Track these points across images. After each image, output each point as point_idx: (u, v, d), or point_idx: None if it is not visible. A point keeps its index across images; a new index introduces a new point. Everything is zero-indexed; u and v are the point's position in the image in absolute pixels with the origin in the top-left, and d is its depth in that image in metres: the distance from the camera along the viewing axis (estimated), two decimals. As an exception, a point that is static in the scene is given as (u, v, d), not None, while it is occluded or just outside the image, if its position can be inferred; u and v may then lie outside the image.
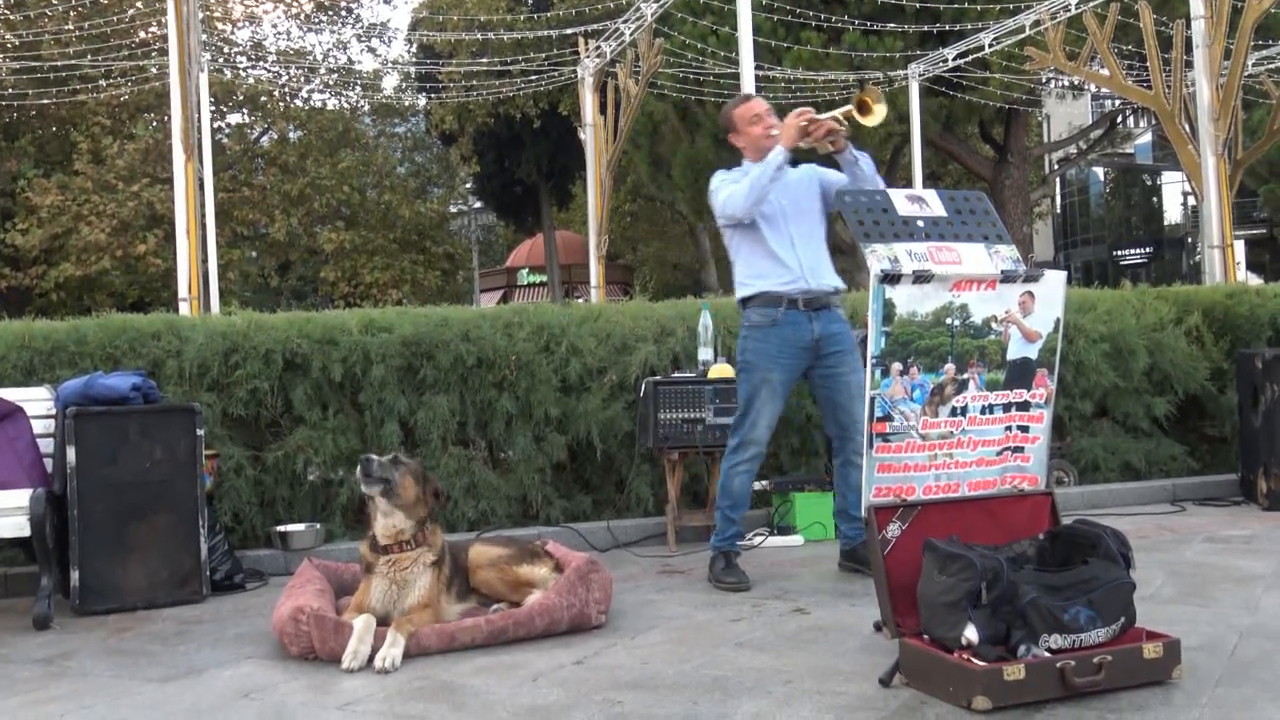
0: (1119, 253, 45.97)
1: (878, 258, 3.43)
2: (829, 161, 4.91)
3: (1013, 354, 3.59)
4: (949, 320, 3.48)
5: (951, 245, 3.57)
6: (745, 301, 4.98)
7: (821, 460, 6.27)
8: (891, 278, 3.40)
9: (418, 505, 4.11)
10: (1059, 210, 46.96)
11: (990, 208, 3.78)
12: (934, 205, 3.67)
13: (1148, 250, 45.46)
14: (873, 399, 3.45)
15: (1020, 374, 3.61)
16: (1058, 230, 47.81)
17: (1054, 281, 3.62)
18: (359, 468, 4.07)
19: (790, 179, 4.91)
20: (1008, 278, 3.54)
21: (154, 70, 18.32)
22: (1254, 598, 4.24)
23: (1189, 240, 41.27)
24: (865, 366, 3.46)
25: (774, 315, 4.85)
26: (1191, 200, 37.13)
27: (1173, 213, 45.85)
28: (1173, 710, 2.99)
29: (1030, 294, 3.57)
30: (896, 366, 3.46)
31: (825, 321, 4.85)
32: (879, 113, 4.69)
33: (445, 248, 28.09)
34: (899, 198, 3.66)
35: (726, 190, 4.90)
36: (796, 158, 4.86)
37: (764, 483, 5.91)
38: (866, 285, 3.53)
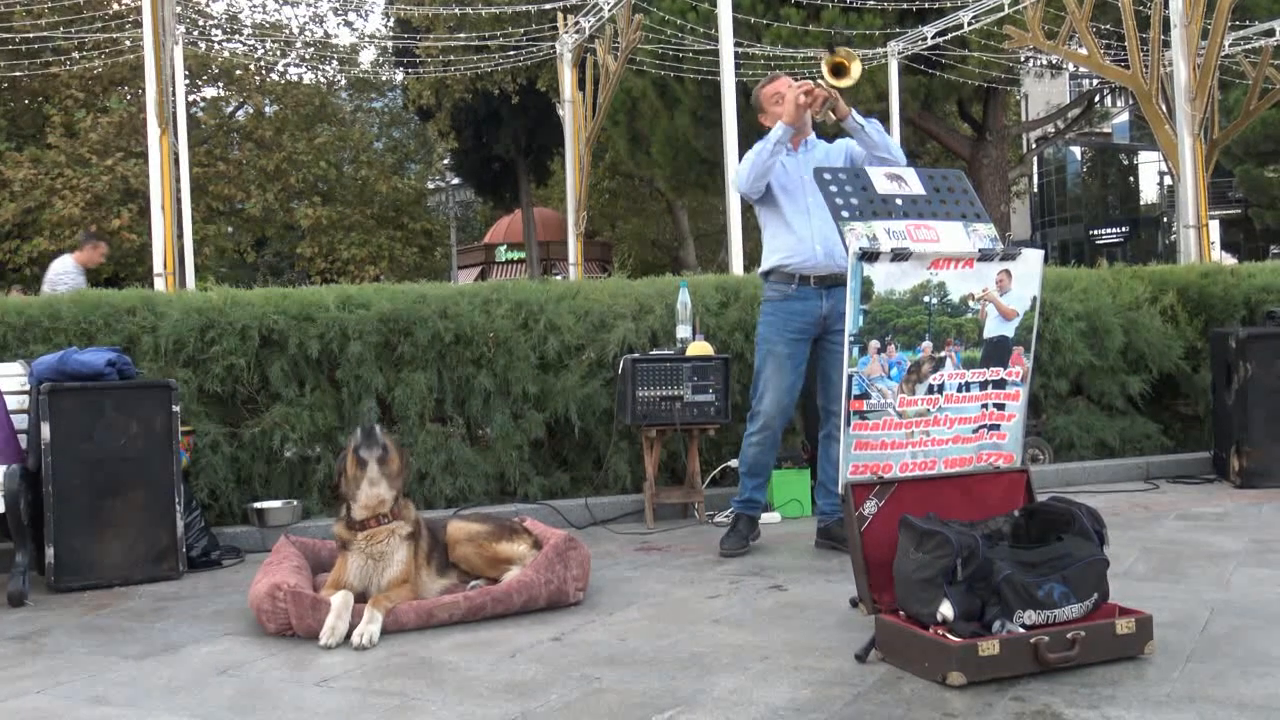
0: (1095, 232, 46.19)
1: (856, 235, 3.44)
2: (842, 132, 4.90)
3: (990, 332, 3.61)
4: (927, 298, 3.49)
5: (930, 223, 3.57)
6: (766, 275, 5.08)
7: (799, 437, 6.30)
8: (869, 255, 3.41)
9: (399, 475, 4.13)
10: (1036, 189, 47.11)
11: (969, 186, 3.78)
12: (913, 183, 3.67)
13: (1124, 229, 45.70)
14: (850, 376, 3.47)
15: (997, 352, 3.63)
16: (1035, 209, 47.98)
17: (1031, 260, 3.64)
18: (360, 433, 4.08)
19: (818, 153, 4.95)
20: (985, 256, 3.55)
21: (128, 43, 18.12)
22: (1225, 574, 4.29)
23: (1165, 220, 41.49)
24: (845, 342, 3.47)
25: (786, 291, 4.97)
26: (1168, 180, 37.34)
27: (1149, 192, 46.09)
28: (1145, 685, 3.03)
29: (1007, 272, 3.59)
30: (874, 344, 3.47)
31: (838, 299, 4.81)
32: (854, 72, 4.72)
33: (423, 224, 27.97)
34: (878, 175, 3.66)
35: (742, 167, 5.00)
36: (832, 133, 4.89)
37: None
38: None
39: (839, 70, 4.74)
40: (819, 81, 4.78)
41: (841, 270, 4.82)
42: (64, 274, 10.64)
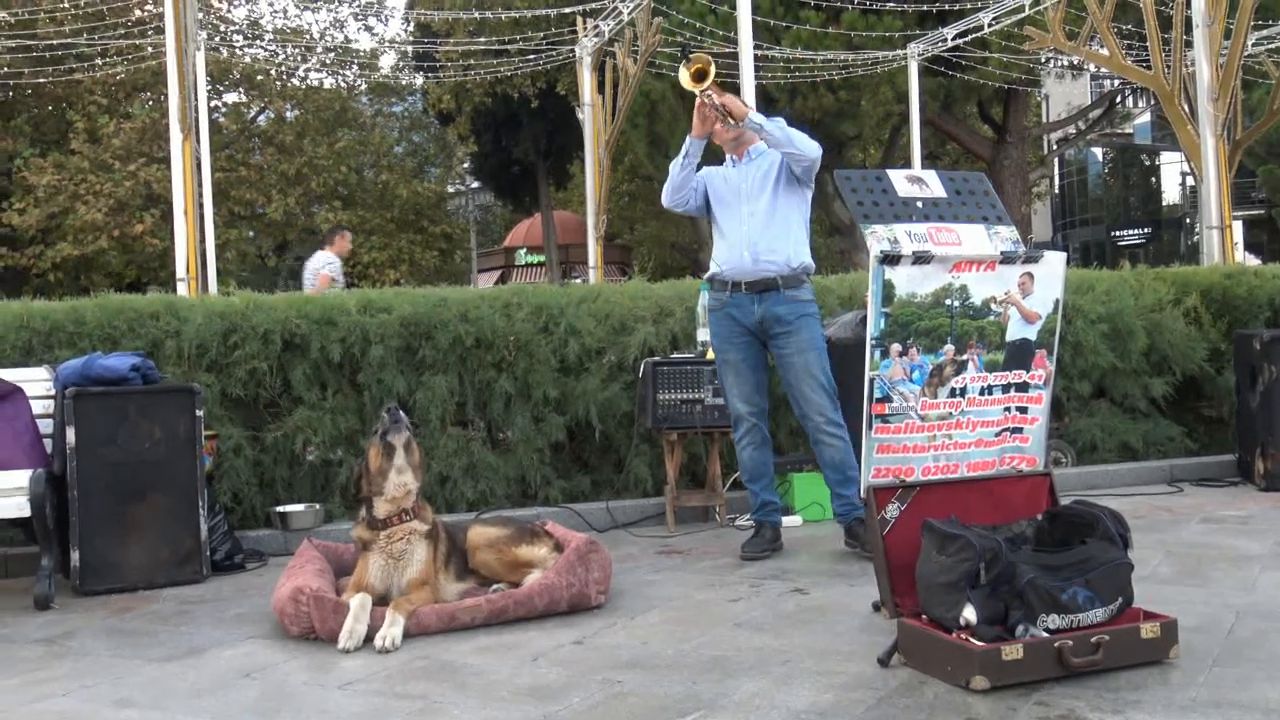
0: (1117, 233, 45.92)
1: (877, 238, 3.44)
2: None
3: (1012, 335, 3.60)
4: (948, 301, 3.48)
5: (951, 226, 3.57)
6: (709, 283, 5.20)
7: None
8: (891, 258, 3.40)
9: (419, 468, 4.17)
10: (1057, 190, 46.89)
11: (990, 189, 3.78)
12: (934, 186, 3.67)
13: (1146, 231, 45.41)
14: (872, 380, 3.46)
15: (1019, 355, 3.62)
16: (1056, 210, 47.76)
17: (1053, 262, 3.62)
18: (387, 417, 4.11)
19: (763, 162, 5.01)
20: (1007, 259, 3.54)
21: (150, 49, 18.22)
22: (1250, 578, 4.26)
23: (1187, 221, 41.23)
24: (867, 346, 3.46)
25: (722, 298, 5.07)
26: (1190, 181, 37.12)
27: (1171, 193, 45.80)
28: (1170, 690, 3.01)
29: (1030, 275, 3.58)
30: (896, 348, 3.46)
31: (770, 303, 4.94)
32: (713, 71, 4.79)
33: (443, 227, 28.01)
34: (899, 178, 3.66)
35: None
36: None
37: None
38: (866, 265, 3.53)
39: (701, 76, 4.81)
40: (709, 97, 4.86)
41: (770, 275, 4.90)
42: (329, 264, 11.23)
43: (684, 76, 4.85)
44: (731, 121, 4.89)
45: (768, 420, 5.20)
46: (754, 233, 4.93)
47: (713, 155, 5.07)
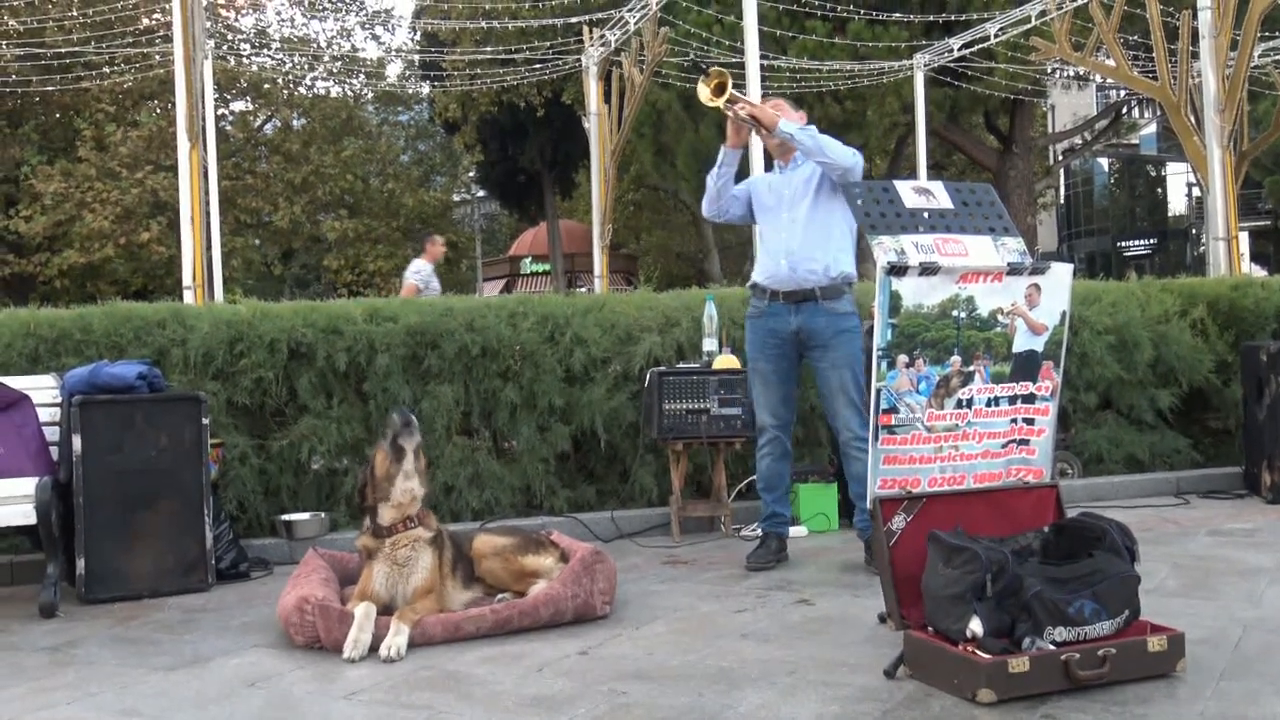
0: (1123, 244, 45.90)
1: (884, 249, 3.43)
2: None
3: (1019, 346, 3.59)
4: (955, 312, 3.48)
5: (958, 237, 3.56)
6: (751, 289, 5.17)
7: (825, 450, 6.28)
8: (898, 269, 3.40)
9: (426, 474, 4.18)
10: (1063, 201, 46.89)
11: (997, 200, 3.77)
12: (940, 197, 3.66)
13: (1152, 241, 45.38)
14: (878, 391, 3.46)
15: (1026, 366, 3.61)
16: (1062, 221, 47.75)
17: (1061, 274, 3.62)
18: (397, 417, 4.11)
19: (805, 169, 4.95)
20: (1014, 270, 3.54)
21: (157, 58, 18.27)
22: (1258, 591, 4.25)
23: (1193, 231, 41.16)
24: (873, 357, 3.46)
25: (760, 307, 5.05)
26: (1196, 191, 37.06)
27: (1177, 204, 45.75)
28: (1177, 704, 3.00)
29: (1037, 286, 3.57)
30: (903, 359, 3.46)
31: (807, 315, 4.91)
32: (728, 84, 4.80)
33: (448, 236, 27.99)
34: (905, 189, 3.65)
35: None
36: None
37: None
38: (872, 276, 3.53)
39: (721, 89, 4.81)
40: (732, 109, 4.86)
41: (808, 286, 4.87)
42: (417, 272, 11.74)
43: (703, 93, 4.84)
44: (764, 131, 4.88)
45: (790, 432, 5.18)
46: (792, 241, 4.89)
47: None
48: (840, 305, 4.90)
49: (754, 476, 6.11)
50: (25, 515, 4.51)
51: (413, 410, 5.82)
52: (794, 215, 4.92)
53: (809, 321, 4.89)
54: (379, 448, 4.14)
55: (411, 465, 4.09)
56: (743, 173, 5.23)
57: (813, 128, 4.88)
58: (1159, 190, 46.97)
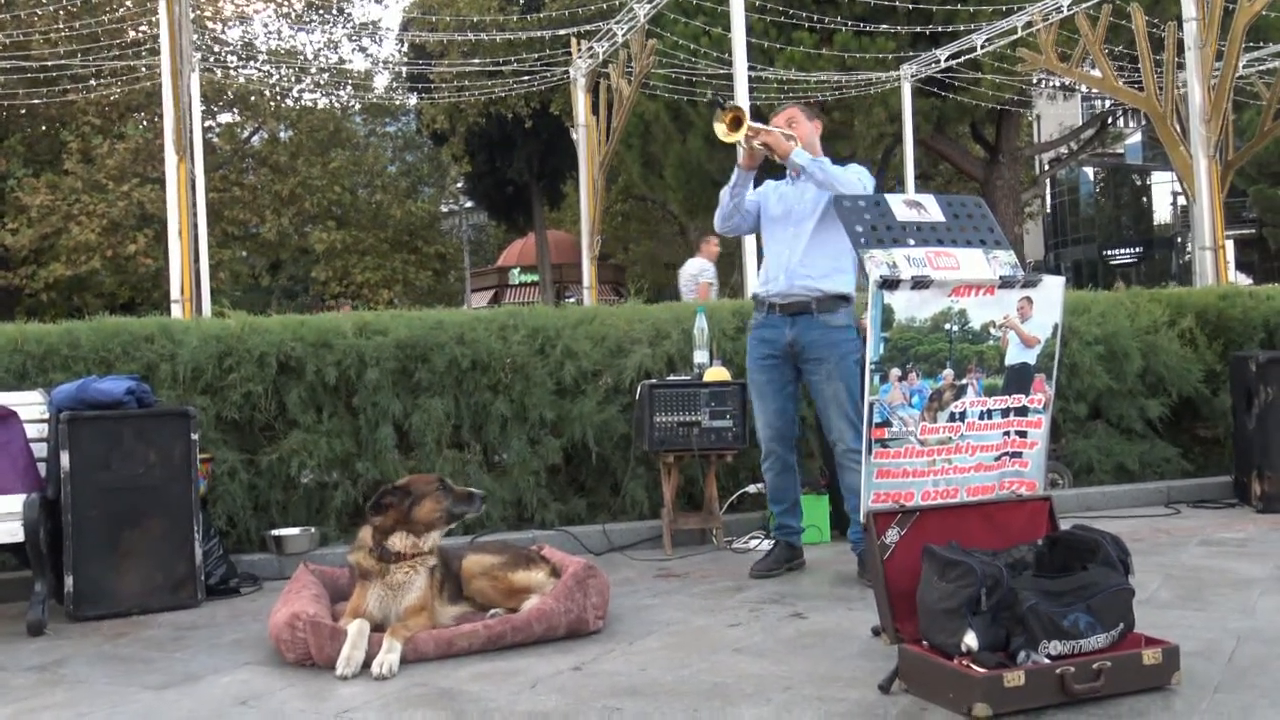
0: (1109, 252, 46.09)
1: (876, 263, 3.43)
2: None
3: (1011, 359, 3.59)
4: (948, 325, 3.48)
5: (950, 250, 3.56)
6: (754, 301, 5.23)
7: (817, 463, 6.27)
8: (890, 283, 3.40)
9: None
10: (1049, 210, 47.07)
11: (988, 213, 3.78)
12: (932, 210, 3.66)
13: (1137, 250, 45.60)
14: (871, 404, 3.45)
15: (1019, 379, 3.61)
16: (1048, 230, 47.93)
17: (1053, 287, 3.62)
18: (476, 501, 4.22)
19: (813, 183, 4.93)
20: (1006, 283, 3.54)
21: (144, 70, 18.24)
22: (1250, 601, 4.25)
23: (1179, 240, 41.38)
24: (866, 371, 3.46)
25: (758, 319, 5.09)
26: (1181, 200, 37.24)
27: (1162, 213, 46.00)
28: (1172, 716, 3.00)
29: (1029, 299, 3.57)
30: (895, 372, 3.45)
31: (802, 328, 4.93)
32: (745, 119, 4.86)
33: (436, 247, 28.04)
34: (897, 203, 3.65)
35: None
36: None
37: (758, 485, 5.92)
38: (863, 288, 3.53)
39: (737, 124, 4.85)
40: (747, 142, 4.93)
41: (805, 298, 4.88)
42: (704, 270, 11.72)
43: (720, 130, 4.88)
44: (778, 158, 4.90)
45: (792, 445, 5.18)
46: (794, 255, 4.92)
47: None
48: (835, 319, 4.91)
49: (747, 488, 6.18)
50: (12, 533, 4.48)
51: (404, 423, 5.84)
52: (799, 231, 4.94)
53: (804, 334, 4.91)
54: (433, 494, 4.10)
55: (449, 526, 4.17)
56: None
57: (825, 160, 4.89)
58: (1144, 199, 47.23)
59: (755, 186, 5.18)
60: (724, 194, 5.11)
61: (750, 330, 5.17)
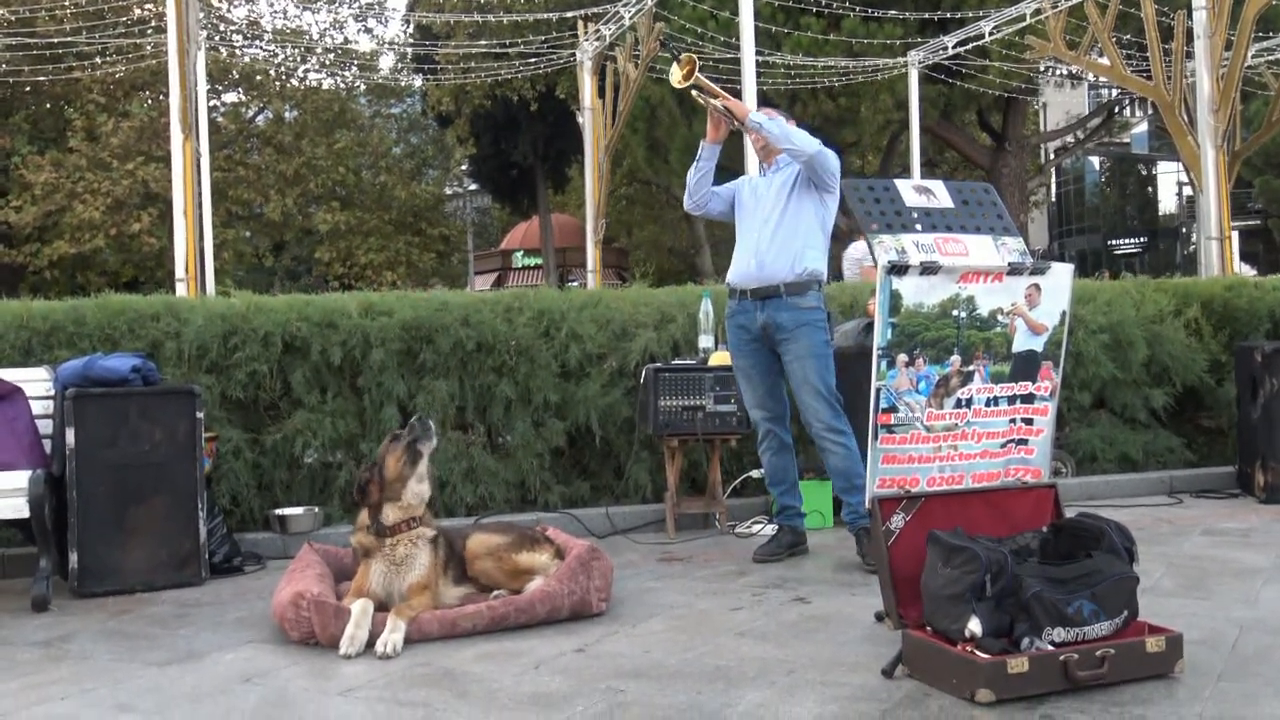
0: (1114, 242, 46.00)
1: (885, 248, 3.42)
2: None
3: (1018, 346, 3.59)
4: (955, 312, 3.47)
5: (959, 237, 3.56)
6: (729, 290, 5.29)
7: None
8: (898, 269, 3.39)
9: (433, 478, 4.19)
10: (1054, 199, 46.96)
11: (998, 199, 3.77)
12: (941, 196, 3.66)
13: (1142, 240, 45.51)
14: (878, 390, 3.45)
15: (1026, 366, 3.61)
16: (1053, 219, 47.82)
17: (1061, 275, 3.61)
18: (417, 425, 4.14)
19: (788, 171, 5.07)
20: (1015, 270, 3.53)
21: (149, 48, 18.20)
22: (1253, 591, 4.25)
23: (1183, 230, 41.31)
24: (874, 356, 3.45)
25: (732, 306, 5.17)
26: (1187, 190, 37.19)
27: (1168, 202, 45.89)
28: (1176, 704, 3.00)
29: (1037, 287, 3.57)
30: (902, 358, 3.45)
31: (772, 310, 5.00)
32: (694, 70, 4.98)
33: (440, 229, 28.01)
34: (906, 188, 3.65)
35: None
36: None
37: (761, 470, 5.92)
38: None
39: (691, 75, 4.94)
40: (706, 99, 5.07)
41: (774, 282, 4.97)
42: (869, 255, 11.49)
43: (675, 75, 5.03)
44: (737, 123, 5.00)
45: (786, 424, 5.23)
46: (763, 241, 5.01)
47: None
48: (805, 300, 4.97)
49: (751, 473, 6.17)
50: (18, 509, 4.49)
51: (409, 404, 5.84)
52: (767, 218, 5.03)
53: (774, 316, 4.98)
54: (390, 449, 4.11)
55: (424, 469, 4.11)
56: (738, 174, 5.28)
57: (781, 119, 4.99)
58: (1149, 189, 47.10)
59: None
60: (690, 171, 5.22)
61: (726, 318, 5.24)
